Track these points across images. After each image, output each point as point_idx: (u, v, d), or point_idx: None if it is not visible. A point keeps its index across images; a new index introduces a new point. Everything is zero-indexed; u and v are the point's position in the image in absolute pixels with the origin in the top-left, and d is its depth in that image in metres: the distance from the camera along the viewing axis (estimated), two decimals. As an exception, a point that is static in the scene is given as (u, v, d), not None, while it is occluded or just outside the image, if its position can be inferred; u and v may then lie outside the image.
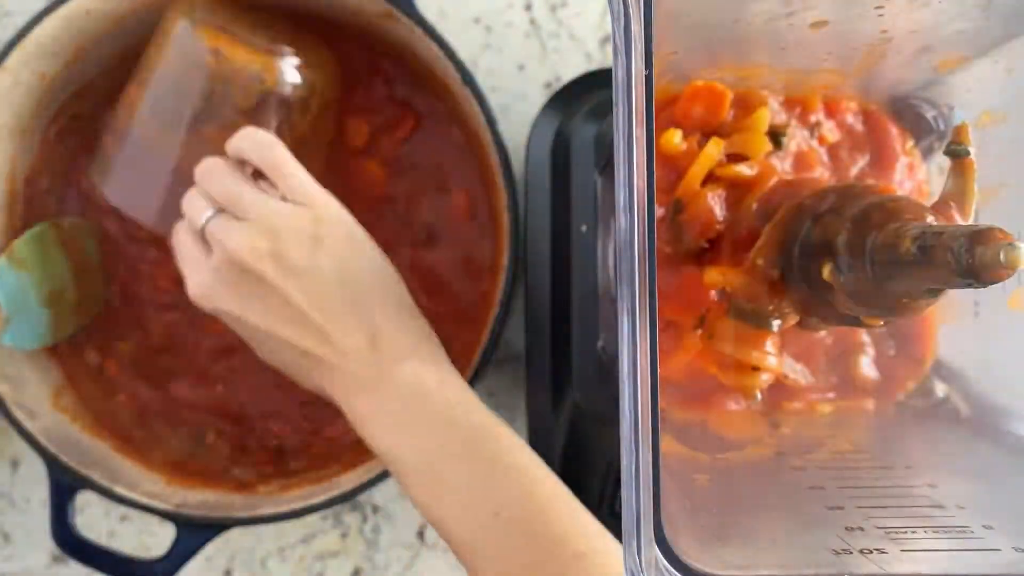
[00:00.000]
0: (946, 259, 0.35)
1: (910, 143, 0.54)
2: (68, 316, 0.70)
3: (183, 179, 0.61)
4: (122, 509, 0.78)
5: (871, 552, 0.38)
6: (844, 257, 0.41)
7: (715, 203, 0.48)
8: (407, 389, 0.56)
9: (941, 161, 0.53)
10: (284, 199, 0.58)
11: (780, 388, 0.50)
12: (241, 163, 0.59)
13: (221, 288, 0.57)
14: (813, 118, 0.52)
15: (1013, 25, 0.46)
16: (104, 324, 0.74)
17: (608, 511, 0.65)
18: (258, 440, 0.75)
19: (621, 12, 0.35)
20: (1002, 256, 0.34)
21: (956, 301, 0.51)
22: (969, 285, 0.35)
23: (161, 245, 0.72)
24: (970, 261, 0.34)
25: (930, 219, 0.40)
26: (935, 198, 0.43)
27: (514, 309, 0.68)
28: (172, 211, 0.62)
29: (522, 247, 0.65)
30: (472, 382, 0.63)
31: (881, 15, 0.44)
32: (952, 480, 0.45)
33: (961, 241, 0.34)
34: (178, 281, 0.61)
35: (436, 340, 0.59)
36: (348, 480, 0.65)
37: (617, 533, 0.64)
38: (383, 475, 0.63)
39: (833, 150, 0.52)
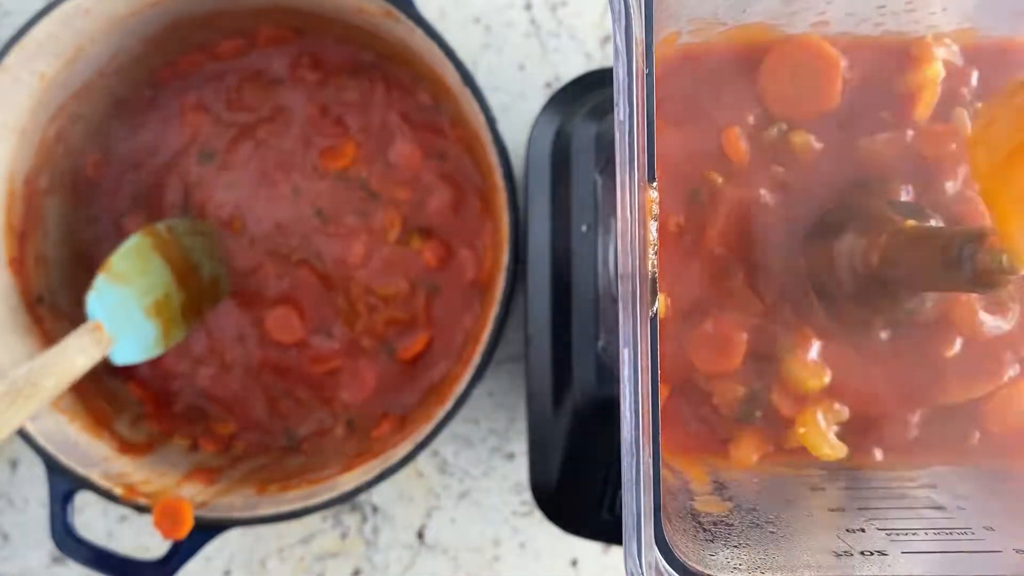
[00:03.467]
0: (946, 262, 0.35)
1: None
2: (176, 321, 0.70)
3: None
4: (121, 510, 0.77)
5: (871, 554, 0.38)
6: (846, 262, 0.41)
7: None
8: None
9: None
10: None
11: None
12: None
13: None
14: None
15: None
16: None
17: (608, 511, 0.65)
18: (256, 442, 0.75)
19: (622, 12, 0.35)
20: (1004, 262, 0.34)
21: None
22: (971, 289, 0.35)
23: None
24: (972, 265, 0.34)
25: (933, 222, 0.40)
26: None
27: (514, 309, 0.67)
28: None
29: (522, 247, 0.65)
30: (472, 382, 0.63)
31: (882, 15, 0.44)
32: (953, 481, 0.45)
33: (968, 246, 0.34)
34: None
35: None
36: (347, 481, 0.65)
37: (617, 534, 0.65)
38: (382, 476, 0.63)
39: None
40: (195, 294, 0.72)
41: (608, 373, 0.63)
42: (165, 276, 0.69)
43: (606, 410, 0.63)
